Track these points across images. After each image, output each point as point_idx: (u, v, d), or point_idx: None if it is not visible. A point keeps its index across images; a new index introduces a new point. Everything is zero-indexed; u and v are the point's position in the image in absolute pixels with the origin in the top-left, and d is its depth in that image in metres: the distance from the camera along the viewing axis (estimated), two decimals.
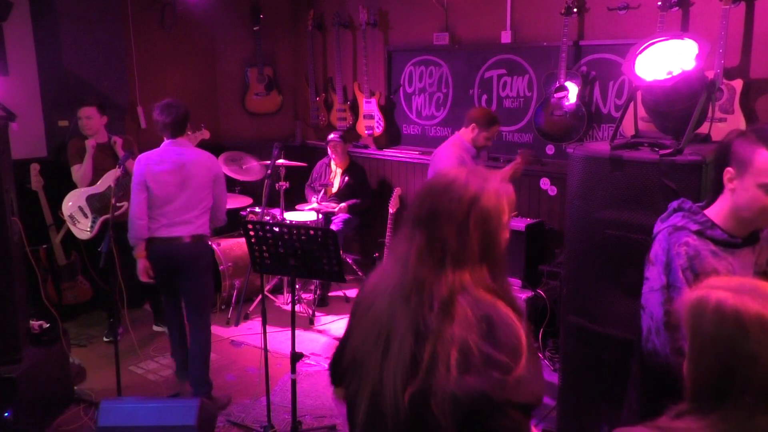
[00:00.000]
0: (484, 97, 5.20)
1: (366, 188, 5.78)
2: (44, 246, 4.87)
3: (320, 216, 5.44)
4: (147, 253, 3.72)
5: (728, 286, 1.23)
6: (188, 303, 3.93)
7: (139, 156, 3.80)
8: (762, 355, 1.15)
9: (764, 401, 1.17)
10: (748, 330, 1.16)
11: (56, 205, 4.68)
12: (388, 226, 5.10)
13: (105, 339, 4.79)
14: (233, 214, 5.63)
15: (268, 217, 5.25)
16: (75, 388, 3.99)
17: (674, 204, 2.14)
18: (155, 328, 5.03)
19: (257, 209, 5.34)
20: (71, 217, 4.57)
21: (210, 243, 5.27)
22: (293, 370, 3.30)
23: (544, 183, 4.86)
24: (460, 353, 1.36)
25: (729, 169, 1.94)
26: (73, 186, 4.60)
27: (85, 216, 4.56)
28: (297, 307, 5.31)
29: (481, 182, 1.49)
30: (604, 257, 2.92)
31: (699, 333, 1.21)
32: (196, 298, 3.90)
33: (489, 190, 1.48)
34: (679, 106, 2.90)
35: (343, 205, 5.53)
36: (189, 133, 4.82)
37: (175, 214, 3.71)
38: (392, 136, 5.96)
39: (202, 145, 4.95)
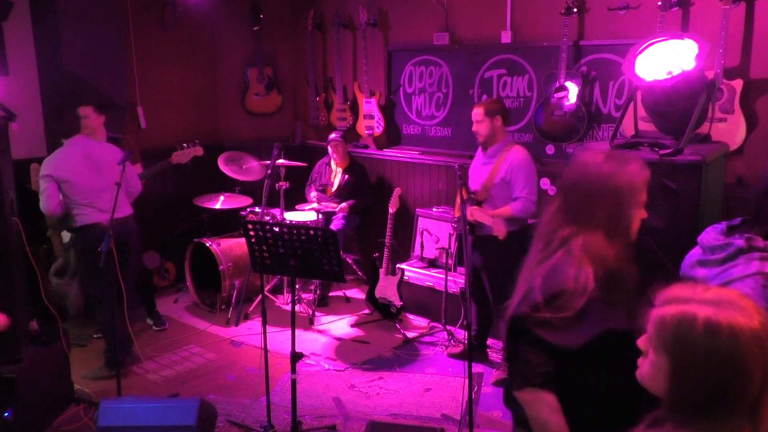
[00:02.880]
0: (484, 97, 5.19)
1: (367, 186, 5.78)
2: (44, 246, 4.87)
3: (320, 216, 5.44)
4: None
5: (706, 300, 1.22)
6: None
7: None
8: (755, 369, 1.16)
9: (752, 413, 1.18)
10: (742, 345, 1.16)
11: None
12: (388, 226, 5.10)
13: (95, 336, 4.77)
14: (233, 214, 5.65)
15: (268, 217, 5.25)
16: (75, 388, 3.99)
17: (738, 241, 1.85)
18: (149, 321, 5.08)
19: (257, 209, 5.34)
20: None
21: (209, 243, 5.29)
22: (293, 370, 3.30)
23: (544, 183, 4.86)
24: (527, 289, 1.75)
25: None
26: None
27: None
28: (297, 307, 5.31)
29: (619, 164, 1.79)
30: None
31: (687, 349, 1.20)
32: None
33: (624, 171, 1.77)
34: (679, 106, 2.90)
35: (344, 205, 5.52)
36: (185, 145, 4.84)
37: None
38: (392, 136, 5.96)
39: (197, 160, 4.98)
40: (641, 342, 1.29)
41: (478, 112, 4.04)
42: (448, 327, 4.87)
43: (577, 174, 1.84)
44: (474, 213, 3.96)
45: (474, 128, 4.09)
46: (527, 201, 3.91)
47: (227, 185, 5.80)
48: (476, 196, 4.05)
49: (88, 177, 4.05)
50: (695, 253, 1.95)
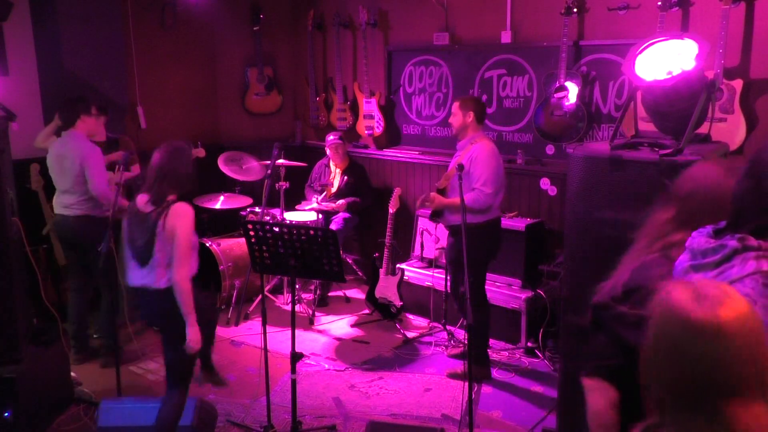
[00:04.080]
0: (484, 97, 5.19)
1: (367, 187, 5.78)
2: (44, 246, 4.87)
3: (320, 216, 5.44)
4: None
5: (690, 294, 1.22)
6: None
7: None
8: (739, 362, 1.15)
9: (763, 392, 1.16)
10: (720, 337, 1.15)
11: None
12: (388, 226, 5.10)
13: (94, 335, 4.76)
14: (233, 214, 5.65)
15: (268, 217, 5.25)
16: (75, 388, 3.99)
17: (731, 242, 1.78)
18: None
19: (257, 209, 5.34)
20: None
21: (209, 243, 5.29)
22: (293, 370, 3.30)
23: (544, 183, 4.86)
24: (615, 281, 1.82)
25: None
26: None
27: None
28: (297, 307, 5.31)
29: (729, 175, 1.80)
30: (604, 258, 2.91)
31: (670, 344, 1.20)
32: None
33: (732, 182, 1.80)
34: (679, 106, 2.90)
35: (341, 201, 5.52)
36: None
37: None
38: (392, 136, 5.96)
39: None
40: None
41: (454, 105, 4.19)
42: (448, 327, 4.87)
43: (698, 184, 1.86)
44: (435, 199, 4.10)
45: (449, 120, 4.25)
46: (480, 193, 3.95)
47: (227, 185, 5.79)
48: (438, 185, 4.16)
49: (55, 176, 4.31)
50: (685, 259, 1.94)
